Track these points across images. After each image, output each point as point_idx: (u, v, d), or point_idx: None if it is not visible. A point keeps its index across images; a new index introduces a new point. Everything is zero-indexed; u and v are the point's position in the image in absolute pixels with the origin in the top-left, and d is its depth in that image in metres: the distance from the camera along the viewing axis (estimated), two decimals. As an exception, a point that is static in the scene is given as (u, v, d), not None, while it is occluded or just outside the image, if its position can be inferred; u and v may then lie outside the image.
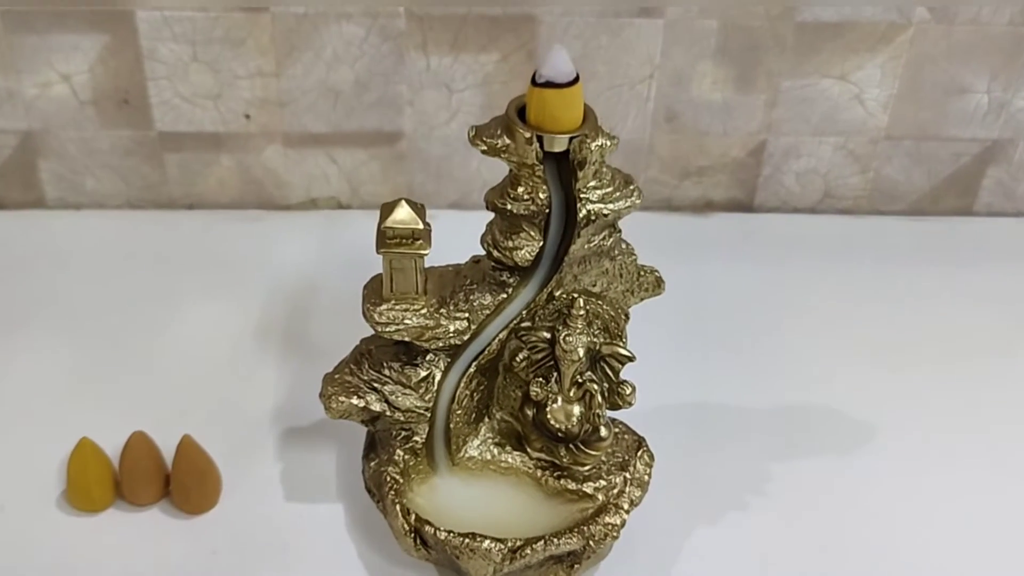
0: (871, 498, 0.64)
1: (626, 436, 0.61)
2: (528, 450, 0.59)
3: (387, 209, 0.55)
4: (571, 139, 0.52)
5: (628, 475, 0.59)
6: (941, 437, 0.69)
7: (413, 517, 0.56)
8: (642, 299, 0.60)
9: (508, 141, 0.53)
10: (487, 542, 0.54)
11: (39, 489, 0.62)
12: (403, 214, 0.54)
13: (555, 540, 0.55)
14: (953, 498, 0.64)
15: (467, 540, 0.54)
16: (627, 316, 0.60)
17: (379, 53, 0.79)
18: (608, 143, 0.53)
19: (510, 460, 0.60)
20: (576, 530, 0.55)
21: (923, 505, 0.64)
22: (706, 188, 0.88)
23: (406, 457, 0.58)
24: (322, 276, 0.81)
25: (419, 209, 0.55)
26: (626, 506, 0.58)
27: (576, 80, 0.51)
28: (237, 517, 0.61)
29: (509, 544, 0.54)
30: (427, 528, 0.55)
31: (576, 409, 0.57)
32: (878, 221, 0.89)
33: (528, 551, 0.54)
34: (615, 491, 0.58)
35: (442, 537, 0.55)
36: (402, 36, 0.79)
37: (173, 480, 0.60)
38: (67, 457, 0.61)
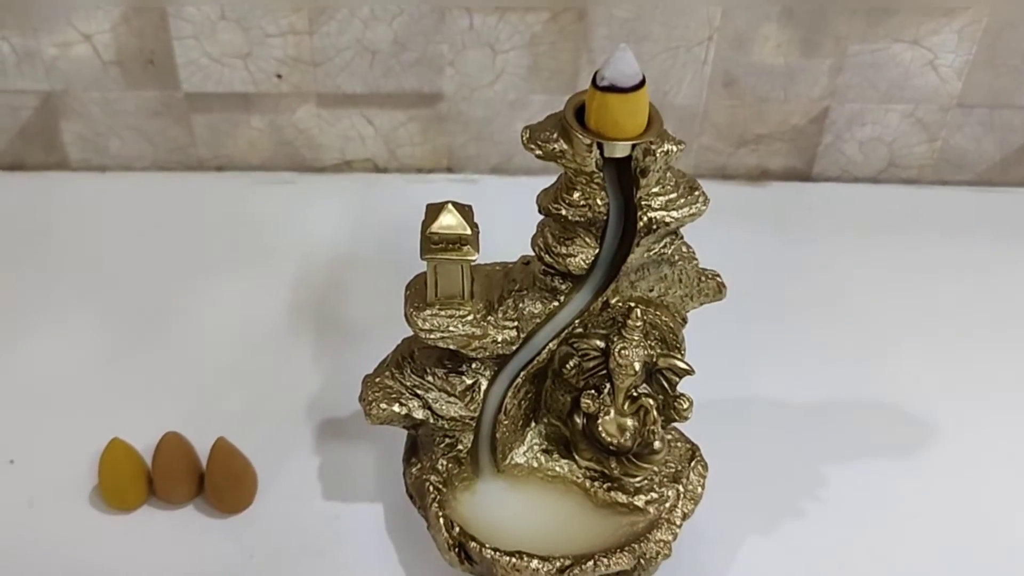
0: (936, 502, 0.61)
1: (679, 444, 0.58)
2: (577, 458, 0.57)
3: (432, 213, 0.51)
4: (634, 146, 0.48)
5: (681, 488, 0.56)
6: (1010, 430, 0.65)
7: (457, 531, 0.54)
8: (702, 304, 0.56)
9: (565, 146, 0.48)
10: (535, 562, 0.52)
11: (71, 484, 0.60)
12: (449, 219, 0.51)
13: (605, 560, 0.52)
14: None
15: (514, 560, 0.52)
16: (684, 320, 0.56)
17: (419, 11, 0.74)
18: (674, 149, 0.48)
19: (558, 468, 0.57)
20: (627, 548, 0.53)
21: (992, 508, 0.61)
22: (762, 156, 0.83)
23: (449, 466, 0.56)
24: (358, 243, 0.78)
25: (466, 212, 0.52)
26: (678, 521, 0.55)
27: (642, 84, 0.47)
28: (273, 517, 0.59)
29: (557, 564, 0.52)
30: (472, 544, 0.53)
31: (630, 423, 0.54)
32: (944, 191, 0.84)
33: (577, 571, 0.52)
34: (667, 505, 0.55)
35: (488, 556, 0.52)
36: (444, -7, 0.74)
37: (208, 482, 0.58)
38: (99, 452, 0.59)
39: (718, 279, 0.55)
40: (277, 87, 0.78)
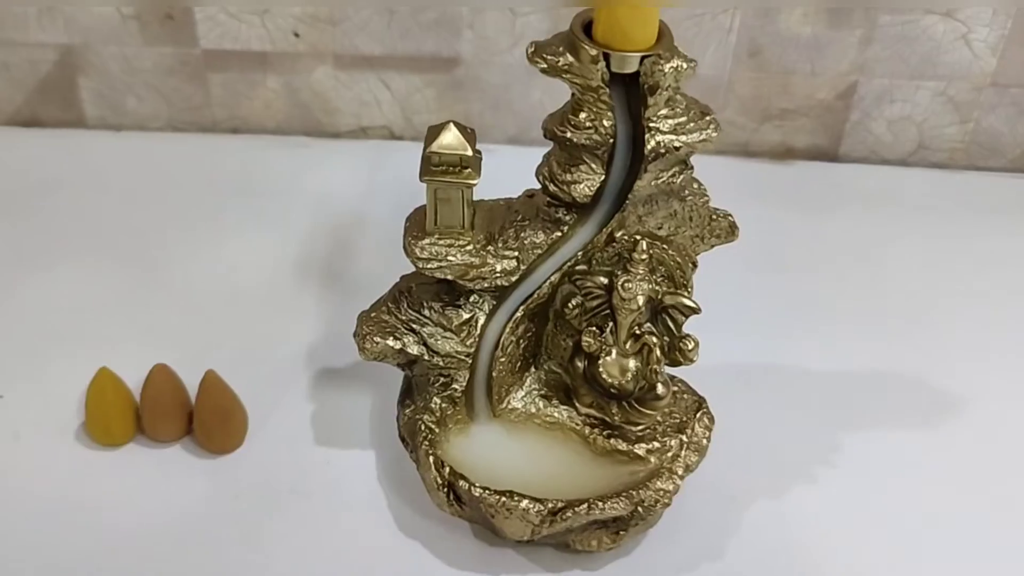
0: (947, 473, 0.58)
1: (685, 396, 0.55)
2: (577, 405, 0.54)
3: (433, 132, 0.50)
4: (642, 59, 0.46)
5: (685, 438, 0.53)
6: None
7: (447, 470, 0.51)
8: (712, 246, 0.54)
9: (571, 59, 0.47)
10: (525, 502, 0.49)
11: (58, 419, 0.59)
12: (450, 138, 0.49)
13: (600, 504, 0.50)
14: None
15: (503, 499, 0.49)
16: (695, 264, 0.53)
17: (439, -30, 0.74)
18: (684, 66, 0.46)
19: (556, 415, 0.55)
20: (624, 495, 0.50)
21: (1010, 485, 0.58)
22: (787, 133, 0.81)
23: (443, 405, 0.53)
24: (369, 209, 0.76)
25: (469, 134, 0.50)
26: (680, 471, 0.52)
27: (652, -9, 0.45)
28: (262, 459, 0.57)
29: (549, 505, 0.49)
30: (461, 483, 0.50)
31: (632, 364, 0.51)
32: (975, 177, 0.82)
33: (569, 514, 0.49)
34: (669, 455, 0.53)
35: (477, 494, 0.50)
36: (465, -48, 0.73)
37: (196, 418, 0.56)
38: (89, 383, 0.57)
39: (730, 218, 0.53)
40: (294, 46, 0.77)
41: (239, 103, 0.80)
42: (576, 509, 0.49)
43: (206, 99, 0.80)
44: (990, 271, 0.73)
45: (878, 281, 0.71)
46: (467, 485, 0.50)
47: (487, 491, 0.50)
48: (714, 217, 0.52)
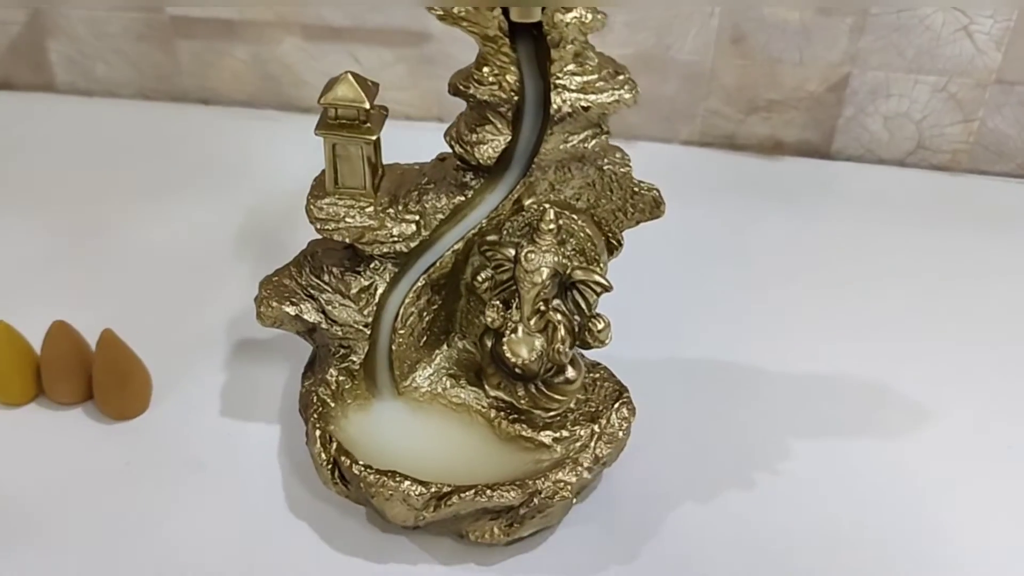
0: (888, 479, 0.53)
1: (606, 384, 0.51)
2: (485, 387, 0.50)
3: (330, 83, 0.47)
4: (543, 10, 0.42)
5: (598, 428, 0.49)
6: (998, 425, 0.57)
7: (334, 446, 0.48)
8: (638, 222, 0.49)
9: (468, 7, 0.43)
10: (407, 483, 0.46)
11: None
12: (346, 90, 0.46)
13: (488, 491, 0.46)
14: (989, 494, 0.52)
15: (385, 479, 0.46)
16: (620, 243, 0.50)
17: (408, -61, 0.71)
18: (590, 16, 0.43)
19: (463, 396, 0.51)
20: (518, 483, 0.46)
21: (943, 498, 0.52)
22: (776, 126, 0.76)
23: (340, 379, 0.50)
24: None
25: (369, 88, 0.47)
26: (587, 463, 0.48)
27: (552, -70, 0.41)
28: (163, 428, 0.55)
29: (433, 489, 0.46)
30: (343, 460, 0.47)
31: (537, 342, 0.47)
32: (979, 181, 0.76)
33: (455, 500, 0.46)
34: (578, 444, 0.49)
35: (357, 472, 0.46)
36: (434, -79, 0.70)
37: (94, 379, 0.54)
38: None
39: (654, 193, 0.49)
40: (262, 14, 0.75)
41: (208, 73, 0.78)
42: (463, 495, 0.46)
43: (175, 67, 0.78)
44: (987, 279, 0.67)
45: (860, 287, 0.66)
46: (348, 462, 0.47)
47: (368, 469, 0.46)
48: (636, 190, 0.48)
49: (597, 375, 0.51)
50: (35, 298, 0.61)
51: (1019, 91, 0.72)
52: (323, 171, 0.50)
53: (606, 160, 0.48)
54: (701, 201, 0.72)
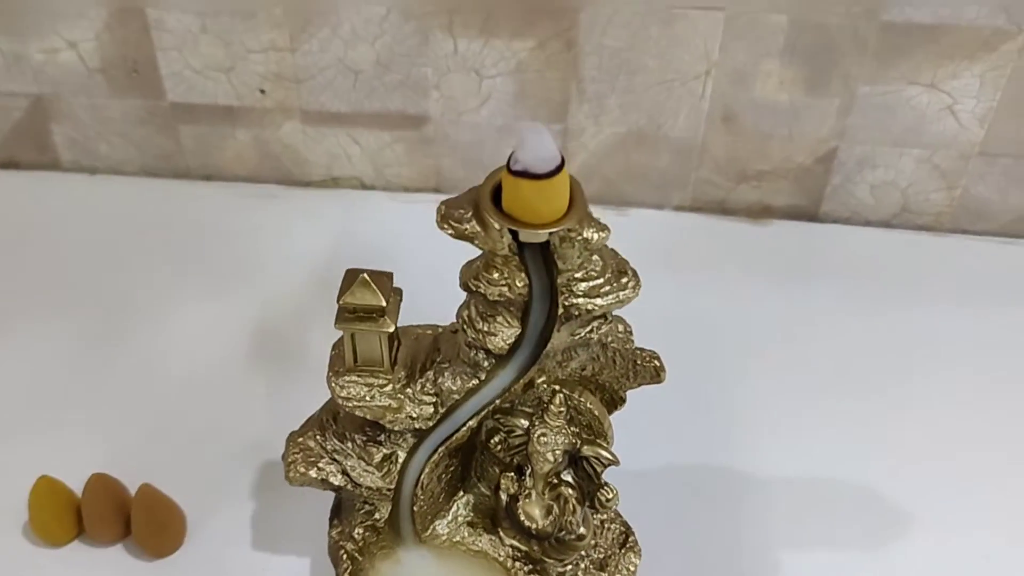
0: None
1: (612, 526, 0.55)
2: (501, 535, 0.54)
3: (348, 281, 0.49)
4: (551, 232, 0.45)
5: None
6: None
7: (366, 604, 0.52)
8: (640, 385, 0.53)
9: (478, 228, 0.45)
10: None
11: (2, 517, 0.60)
12: (363, 291, 0.48)
13: (516, 652, 0.50)
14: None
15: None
16: (623, 400, 0.53)
17: (401, 32, 0.71)
18: (596, 236, 0.45)
19: (480, 544, 0.55)
20: (542, 642, 0.51)
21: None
22: (765, 193, 0.78)
23: (366, 535, 0.54)
24: (338, 262, 0.74)
25: (384, 281, 0.49)
26: (601, 613, 0.52)
27: (560, 168, 0.43)
28: (200, 563, 0.58)
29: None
30: (377, 619, 0.51)
31: (550, 508, 0.51)
32: (963, 241, 0.79)
33: (481, 659, 0.50)
34: (590, 595, 0.53)
35: (390, 634, 0.51)
36: (426, 16, 0.70)
37: (133, 526, 0.57)
38: (31, 484, 0.58)
39: (655, 363, 0.52)
40: (261, 102, 0.76)
41: (210, 152, 0.80)
42: (486, 653, 0.50)
43: (177, 147, 0.80)
44: (975, 339, 0.71)
45: (851, 354, 0.70)
46: (381, 623, 0.51)
47: (400, 631, 0.51)
48: (639, 361, 0.51)
49: (604, 516, 0.55)
50: (62, 439, 0.64)
51: (1002, 162, 0.74)
52: (340, 341, 0.53)
53: (609, 337, 0.50)
54: (690, 264, 0.75)
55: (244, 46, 0.73)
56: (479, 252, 0.47)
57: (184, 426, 0.65)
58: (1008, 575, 0.58)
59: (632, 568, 0.54)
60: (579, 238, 0.45)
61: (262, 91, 0.75)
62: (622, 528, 0.55)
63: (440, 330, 0.53)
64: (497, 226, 0.45)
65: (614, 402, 0.53)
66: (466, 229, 0.46)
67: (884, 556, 0.59)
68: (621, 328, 0.51)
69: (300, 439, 0.54)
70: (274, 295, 0.73)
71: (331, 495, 0.58)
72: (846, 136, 0.74)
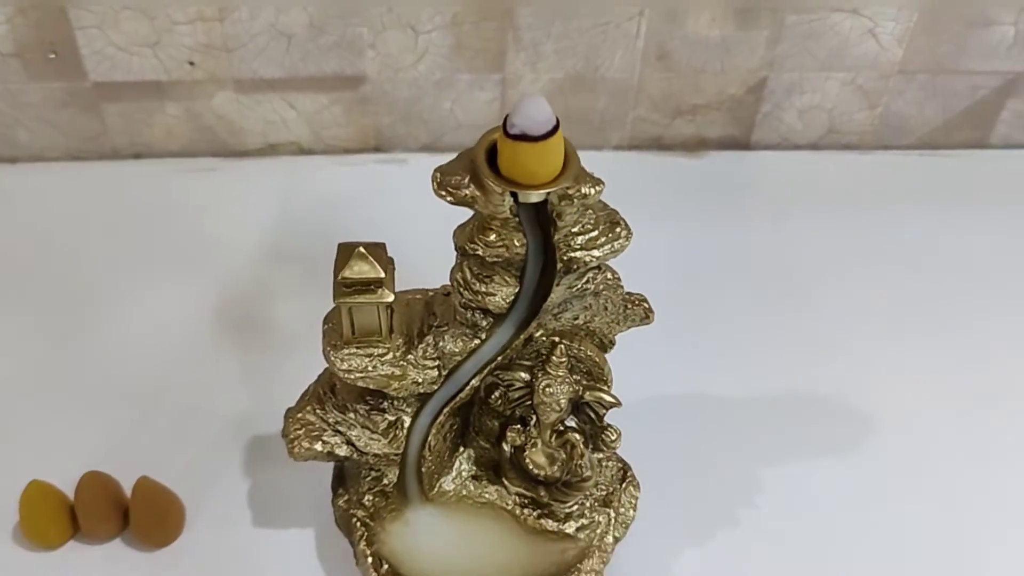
0: (873, 507, 0.61)
1: (610, 463, 0.57)
2: (507, 484, 0.56)
3: (343, 256, 0.49)
4: (549, 191, 0.46)
5: (612, 512, 0.56)
6: (960, 420, 0.65)
7: (385, 568, 0.53)
8: (629, 328, 0.54)
9: (477, 193, 0.46)
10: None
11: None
12: (361, 264, 0.48)
13: (536, 594, 0.52)
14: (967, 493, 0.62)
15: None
16: (612, 343, 0.55)
17: (334, -7, 0.70)
18: (593, 191, 0.46)
19: (487, 495, 0.56)
20: (559, 580, 0.53)
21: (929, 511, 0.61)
22: (700, 126, 0.80)
23: (376, 500, 0.55)
24: (285, 232, 0.75)
25: (379, 252, 0.49)
26: (610, 548, 0.55)
27: (555, 130, 0.44)
28: (202, 548, 0.58)
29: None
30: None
31: (557, 455, 0.53)
32: (886, 156, 0.83)
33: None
34: (598, 531, 0.55)
35: (409, 588, 0.52)
36: (359, -25, 0.69)
37: (132, 520, 0.57)
38: (19, 488, 0.57)
39: (644, 305, 0.54)
40: (191, 74, 0.74)
41: (139, 130, 0.77)
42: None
43: (102, 128, 0.77)
44: (905, 246, 0.75)
45: (792, 271, 0.73)
46: (399, 580, 0.52)
47: (419, 584, 0.52)
48: (628, 306, 0.53)
49: (601, 455, 0.57)
50: (47, 440, 0.62)
51: (919, 78, 0.78)
52: (334, 311, 0.53)
53: (602, 286, 0.52)
54: (634, 200, 0.77)
55: (170, 19, 0.71)
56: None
57: (164, 413, 0.64)
58: (969, 461, 0.63)
59: (633, 501, 0.56)
60: (577, 194, 0.46)
61: (191, 63, 0.73)
62: (619, 464, 0.57)
63: (431, 294, 0.54)
64: (498, 190, 0.45)
65: (603, 346, 0.55)
66: (465, 195, 0.46)
67: (858, 457, 0.63)
68: (610, 275, 0.53)
69: (299, 414, 0.55)
70: (228, 270, 0.72)
71: (327, 466, 0.58)
72: (775, 65, 0.76)
